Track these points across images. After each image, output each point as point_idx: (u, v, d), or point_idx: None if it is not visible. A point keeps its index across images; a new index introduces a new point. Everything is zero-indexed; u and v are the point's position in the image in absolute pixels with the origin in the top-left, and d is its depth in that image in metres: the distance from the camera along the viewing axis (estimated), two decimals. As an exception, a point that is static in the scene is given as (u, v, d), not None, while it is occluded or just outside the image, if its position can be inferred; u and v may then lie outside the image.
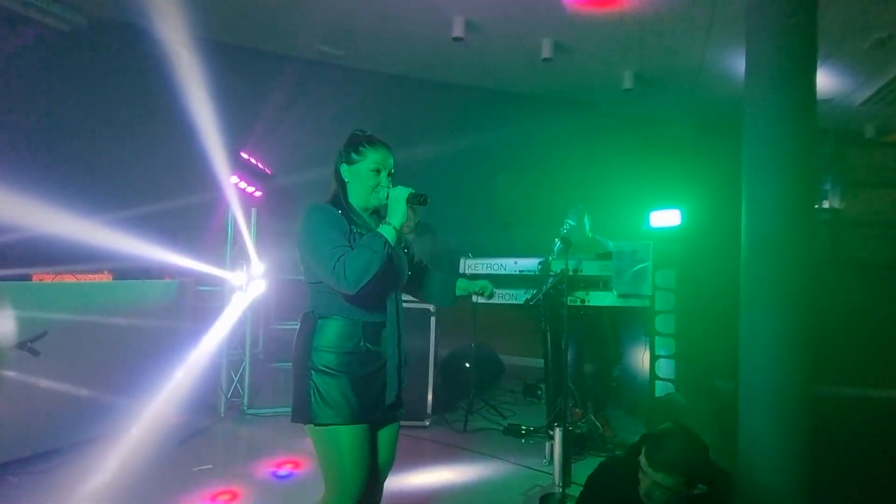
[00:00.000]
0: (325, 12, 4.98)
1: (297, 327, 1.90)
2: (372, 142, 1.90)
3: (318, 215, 1.81)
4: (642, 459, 1.88)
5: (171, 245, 4.35)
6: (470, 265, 4.44)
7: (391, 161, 1.91)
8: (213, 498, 2.96)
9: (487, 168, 6.68)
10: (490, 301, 4.35)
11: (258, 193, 4.69)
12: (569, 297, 3.74)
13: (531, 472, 3.41)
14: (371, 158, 1.87)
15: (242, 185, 4.59)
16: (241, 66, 5.70)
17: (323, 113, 5.66)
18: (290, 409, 1.86)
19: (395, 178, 1.94)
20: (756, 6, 2.85)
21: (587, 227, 4.24)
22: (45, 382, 3.18)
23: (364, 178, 1.88)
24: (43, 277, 3.40)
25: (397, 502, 2.87)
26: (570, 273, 3.79)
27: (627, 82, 5.80)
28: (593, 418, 3.97)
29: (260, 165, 4.62)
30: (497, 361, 5.48)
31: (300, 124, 5.69)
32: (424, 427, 4.07)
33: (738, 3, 3.10)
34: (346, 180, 1.91)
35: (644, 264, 3.85)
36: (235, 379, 4.48)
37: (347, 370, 1.79)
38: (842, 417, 4.69)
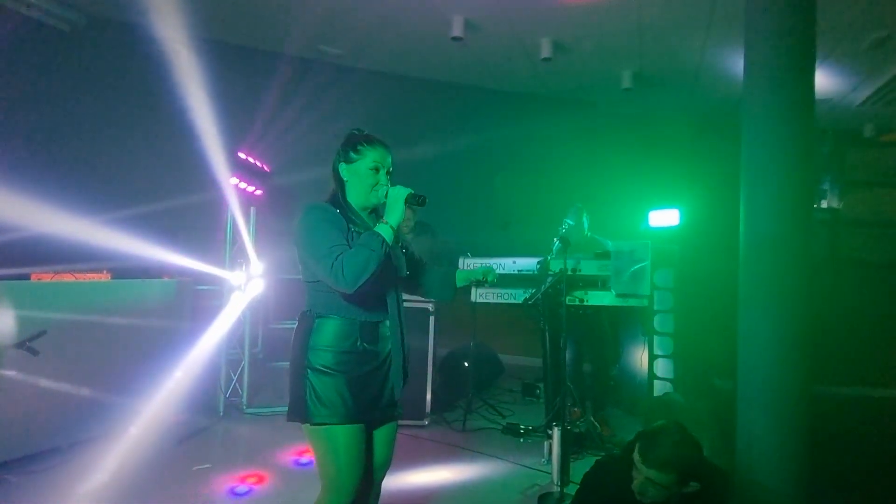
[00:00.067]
0: (324, 12, 4.98)
1: (294, 326, 1.91)
2: (370, 140, 1.91)
3: (316, 214, 1.81)
4: (636, 456, 1.89)
5: (169, 244, 4.35)
6: (469, 265, 4.44)
7: (389, 160, 1.91)
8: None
9: (487, 168, 6.68)
10: (489, 301, 4.38)
11: (258, 192, 4.68)
12: (567, 297, 3.74)
13: (530, 472, 3.41)
14: (370, 157, 1.88)
15: (242, 185, 4.58)
16: (240, 65, 5.71)
17: (322, 112, 5.66)
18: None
19: (394, 178, 1.94)
20: (755, 6, 2.85)
21: (586, 226, 4.24)
22: (43, 382, 3.18)
23: (363, 177, 1.88)
24: (42, 277, 3.40)
25: (396, 501, 2.87)
26: (569, 273, 3.80)
27: (626, 82, 5.81)
28: (592, 418, 3.97)
29: (258, 164, 4.62)
30: (496, 361, 5.48)
31: (299, 124, 5.69)
32: (423, 426, 4.08)
33: (737, 2, 3.10)
34: (345, 179, 1.91)
35: (642, 264, 3.85)
36: (234, 378, 4.48)
37: (344, 369, 1.80)
38: (840, 417, 4.70)
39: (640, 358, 4.33)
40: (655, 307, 4.10)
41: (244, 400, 4.42)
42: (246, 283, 4.47)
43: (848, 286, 5.95)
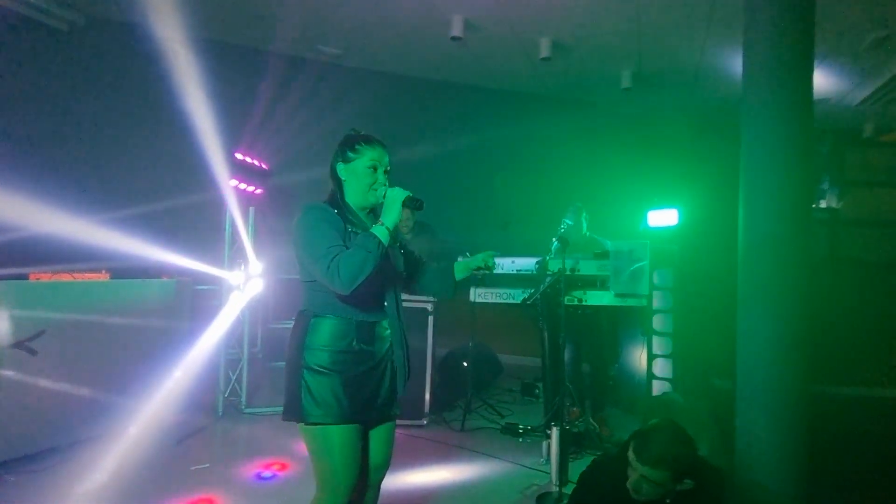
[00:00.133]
0: (323, 11, 4.98)
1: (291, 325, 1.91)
2: (368, 140, 1.92)
3: (313, 214, 1.81)
4: (631, 454, 1.90)
5: (169, 244, 4.35)
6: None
7: (387, 159, 1.91)
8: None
9: (486, 167, 6.68)
10: (488, 301, 4.37)
11: (258, 191, 4.67)
12: (566, 297, 3.74)
13: (528, 471, 3.42)
14: (367, 156, 1.88)
15: (242, 185, 4.58)
16: (239, 65, 5.71)
17: (321, 112, 5.66)
18: None
19: (394, 178, 1.94)
20: (754, 5, 2.85)
21: (584, 226, 4.24)
22: (42, 381, 3.18)
23: (361, 176, 1.88)
24: (40, 276, 3.39)
25: (395, 501, 2.87)
26: (568, 272, 3.80)
27: (626, 81, 5.80)
28: (590, 418, 3.98)
29: (257, 163, 4.61)
30: (495, 361, 5.48)
31: (299, 123, 5.69)
32: (422, 426, 4.08)
33: (737, 2, 3.10)
34: (343, 179, 1.91)
35: (641, 263, 3.85)
36: (233, 378, 4.48)
37: (340, 369, 1.80)
38: (839, 416, 4.71)
39: (638, 358, 4.34)
40: (654, 307, 4.11)
41: (243, 399, 4.42)
42: (245, 282, 4.48)
43: (847, 286, 5.95)
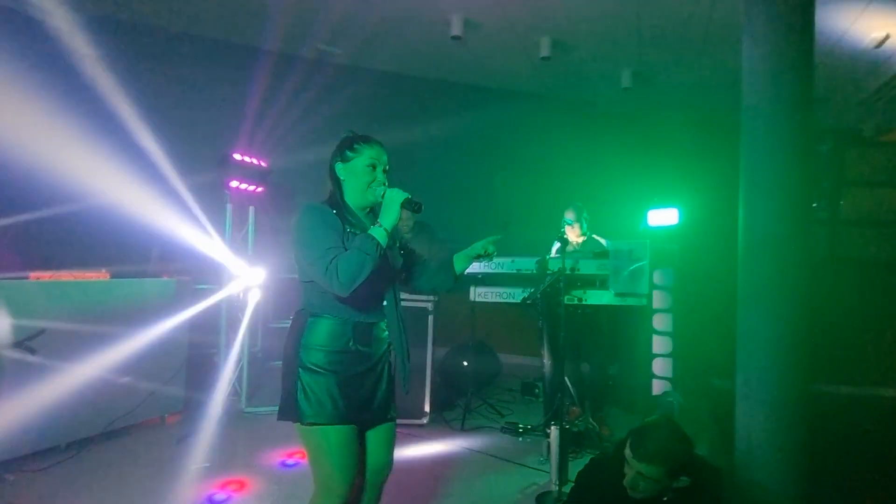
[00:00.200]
0: (323, 11, 4.98)
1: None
2: (366, 139, 1.92)
3: (311, 215, 1.81)
4: (627, 451, 1.91)
5: (169, 244, 4.35)
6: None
7: (385, 157, 1.91)
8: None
9: (486, 167, 6.68)
10: (488, 300, 4.38)
11: (259, 190, 4.66)
12: (566, 296, 3.74)
13: (528, 471, 3.42)
14: (366, 154, 1.88)
15: (242, 185, 4.57)
16: (238, 64, 5.71)
17: (320, 111, 5.66)
18: None
19: (394, 178, 1.94)
20: (753, 5, 2.85)
21: (585, 226, 4.24)
22: (42, 381, 3.18)
23: (360, 175, 1.88)
24: (40, 276, 3.39)
25: (395, 501, 2.87)
26: (567, 272, 3.80)
27: (626, 81, 5.80)
28: (590, 417, 3.98)
29: (256, 162, 4.60)
30: (495, 360, 5.49)
31: (298, 122, 5.69)
32: (422, 425, 4.08)
33: (736, 1, 3.10)
34: (342, 178, 1.91)
35: (641, 263, 3.85)
36: (234, 377, 4.48)
37: (335, 369, 1.80)
38: (839, 416, 4.71)
39: (638, 357, 4.33)
40: (654, 306, 4.11)
41: (243, 399, 4.43)
42: (245, 282, 4.48)
43: (847, 286, 5.95)
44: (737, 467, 2.76)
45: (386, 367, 1.93)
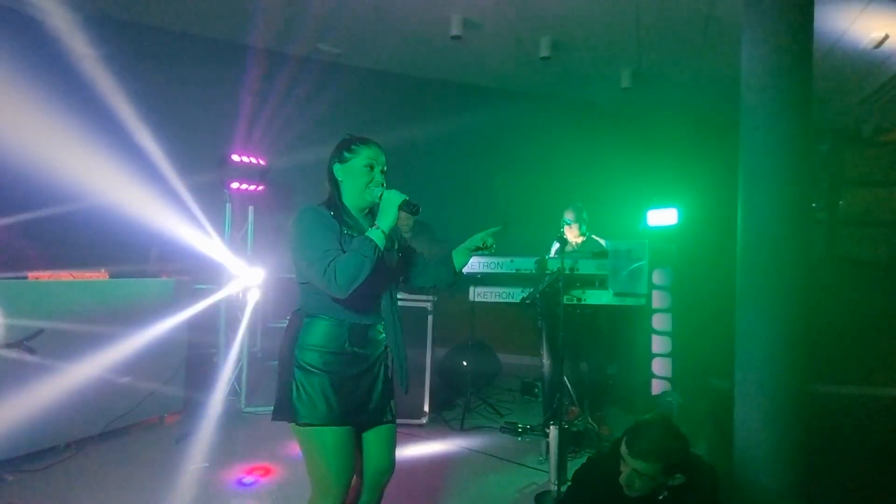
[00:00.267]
0: (323, 11, 4.98)
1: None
2: (364, 140, 1.92)
3: (309, 217, 1.81)
4: (623, 448, 1.91)
5: (168, 244, 4.35)
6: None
7: (383, 158, 1.92)
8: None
9: (485, 167, 6.69)
10: (487, 300, 4.38)
11: (260, 188, 4.66)
12: (565, 296, 3.74)
13: (527, 470, 3.42)
14: (364, 155, 1.88)
15: (244, 186, 4.57)
16: (238, 64, 5.71)
17: (320, 111, 5.66)
18: None
19: (393, 178, 1.94)
20: (753, 5, 2.85)
21: (584, 226, 4.24)
22: (40, 380, 3.18)
23: (357, 175, 1.88)
24: (39, 276, 3.39)
25: (394, 500, 2.87)
26: (566, 272, 3.80)
27: (625, 81, 5.80)
28: (589, 417, 3.98)
29: (255, 161, 4.59)
30: (494, 360, 5.49)
31: (298, 121, 5.69)
32: (422, 425, 4.08)
33: (735, 1, 3.10)
34: (340, 179, 1.91)
35: (640, 263, 3.86)
36: (233, 377, 4.48)
37: (330, 370, 1.80)
38: (836, 415, 4.72)
39: (637, 357, 4.34)
40: (653, 306, 4.11)
41: (242, 399, 4.43)
42: (244, 282, 4.48)
43: (846, 285, 5.96)
44: (735, 466, 2.77)
45: (382, 369, 1.93)
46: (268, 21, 5.23)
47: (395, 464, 1.97)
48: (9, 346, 3.04)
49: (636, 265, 3.86)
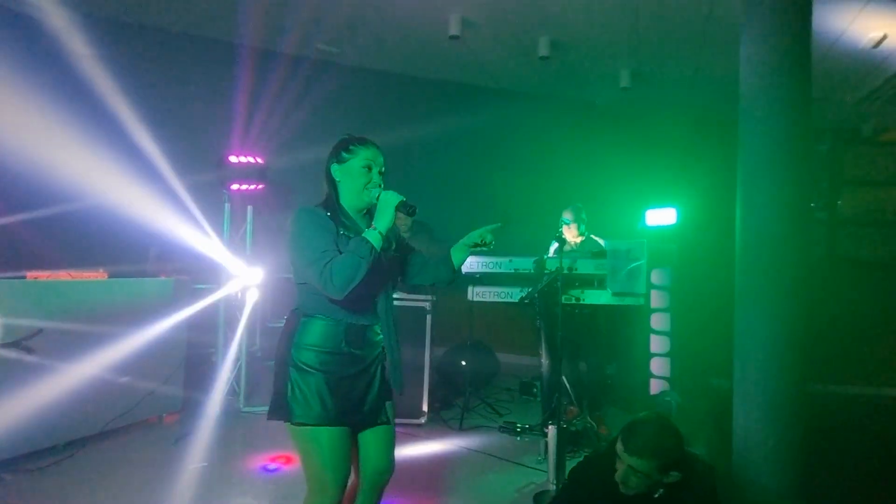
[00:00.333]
0: (322, 10, 4.98)
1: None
2: (362, 140, 1.93)
3: (306, 218, 1.82)
4: (618, 445, 1.92)
5: (167, 244, 4.35)
6: (465, 262, 4.44)
7: (381, 159, 1.92)
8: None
9: (484, 167, 6.68)
10: (486, 300, 4.38)
11: (260, 187, 4.66)
12: (564, 296, 3.74)
13: (526, 470, 3.42)
14: (362, 155, 1.88)
15: (243, 186, 4.57)
16: (237, 64, 5.70)
17: (319, 111, 5.66)
18: None
19: (392, 178, 1.94)
20: (752, 4, 2.85)
21: (583, 226, 4.24)
22: (39, 380, 3.18)
23: (355, 176, 1.88)
24: (38, 275, 3.39)
25: (393, 500, 2.87)
26: (565, 271, 3.80)
27: (624, 81, 5.80)
28: (588, 416, 3.98)
29: (253, 160, 4.58)
30: (493, 359, 5.49)
31: (297, 122, 5.69)
32: (420, 425, 4.08)
33: (735, 1, 3.10)
34: (338, 180, 1.91)
35: (639, 262, 3.86)
36: (232, 377, 4.48)
37: (326, 369, 1.80)
38: (836, 415, 4.72)
39: (636, 357, 4.34)
40: (652, 306, 4.11)
41: (241, 398, 4.42)
42: (243, 281, 4.48)
43: (845, 285, 5.96)
44: (734, 466, 2.77)
45: (379, 371, 1.92)
46: (266, 21, 5.23)
47: (394, 464, 1.97)
48: (8, 345, 3.04)
49: (635, 265, 3.86)
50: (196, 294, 4.32)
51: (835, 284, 5.79)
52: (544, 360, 4.17)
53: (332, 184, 1.92)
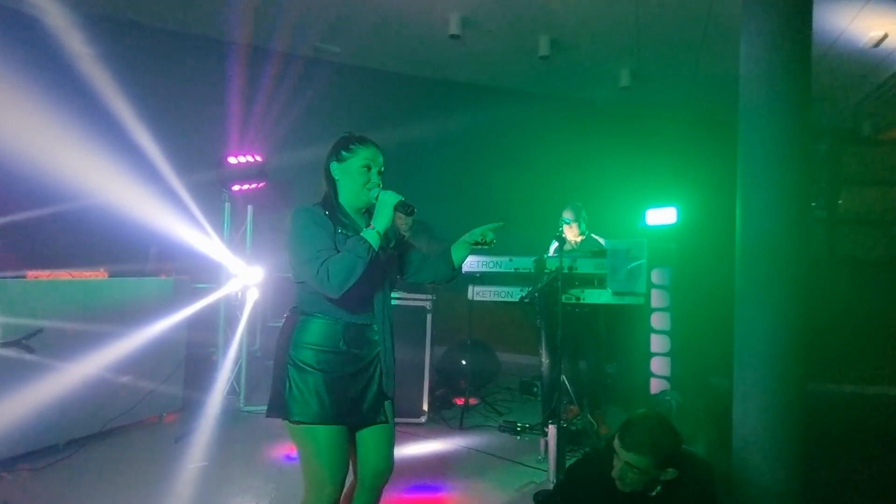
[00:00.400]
0: (321, 10, 4.98)
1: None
2: (362, 139, 1.93)
3: (303, 217, 1.82)
4: (616, 442, 1.92)
5: (167, 243, 4.35)
6: (465, 262, 4.45)
7: (380, 159, 1.92)
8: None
9: (484, 166, 6.68)
10: (486, 299, 4.38)
11: (261, 185, 4.65)
12: (564, 295, 3.75)
13: (526, 469, 3.42)
14: (361, 155, 1.89)
15: (244, 186, 4.57)
16: (237, 63, 5.70)
17: (319, 110, 5.66)
18: None
19: (391, 178, 1.94)
20: (751, 3, 2.85)
21: (583, 225, 4.24)
22: (40, 380, 3.19)
23: (354, 175, 1.89)
24: (38, 275, 3.39)
25: (393, 500, 2.88)
26: (565, 271, 3.80)
27: (624, 80, 5.80)
28: (588, 416, 3.99)
29: (252, 159, 4.58)
30: (493, 359, 5.49)
31: (297, 122, 5.69)
32: (420, 424, 4.08)
33: (734, 1, 3.10)
34: (337, 178, 1.92)
35: (639, 262, 3.86)
36: (232, 376, 4.49)
37: (324, 368, 1.80)
38: (835, 413, 4.72)
39: (636, 356, 4.34)
40: (652, 305, 4.11)
41: (241, 398, 4.43)
42: (243, 281, 4.48)
43: (845, 284, 5.96)
44: (734, 465, 2.77)
45: (378, 370, 1.92)
46: (266, 20, 5.23)
47: (392, 465, 1.96)
48: (8, 344, 3.04)
49: (635, 264, 3.86)
50: (196, 293, 4.32)
51: (835, 284, 5.78)
52: (544, 360, 4.18)
53: (331, 182, 1.93)
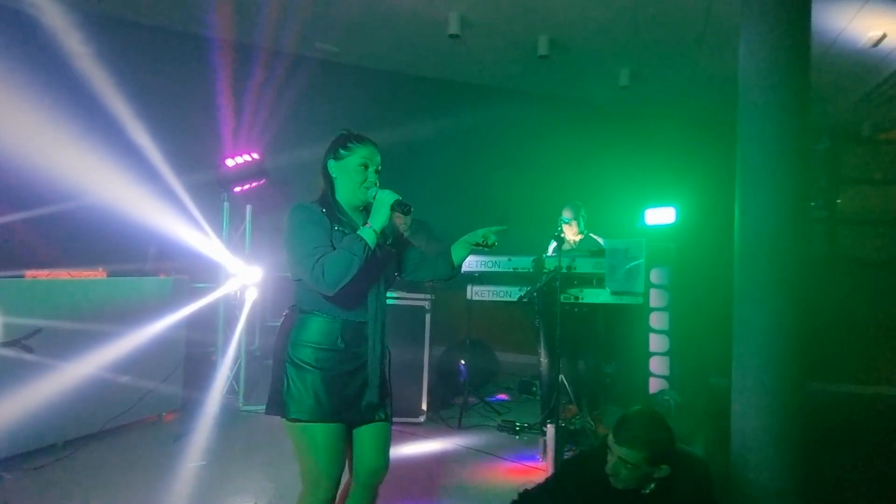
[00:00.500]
0: (321, 9, 4.97)
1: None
2: (360, 138, 1.93)
3: (300, 214, 1.82)
4: (609, 437, 1.93)
5: (166, 243, 4.35)
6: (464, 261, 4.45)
7: (378, 158, 1.92)
8: None
9: (483, 165, 6.68)
10: (485, 298, 4.38)
11: (261, 183, 4.65)
12: (562, 295, 3.75)
13: (525, 469, 3.42)
14: (359, 153, 1.89)
15: (245, 186, 4.57)
16: (236, 63, 5.70)
17: (318, 109, 5.66)
18: None
19: (389, 177, 1.94)
20: (750, 3, 2.85)
21: (582, 224, 4.25)
22: (39, 379, 3.19)
23: (352, 174, 1.89)
24: (37, 275, 3.39)
25: (392, 499, 2.88)
26: (564, 270, 3.80)
27: (624, 80, 5.80)
28: (587, 415, 3.99)
29: (250, 158, 4.57)
30: (492, 358, 5.49)
31: (296, 121, 5.69)
32: (419, 424, 4.08)
33: (734, 1, 3.10)
34: (334, 176, 1.92)
35: (637, 261, 3.86)
36: (231, 375, 4.49)
37: (322, 366, 1.80)
38: (835, 413, 4.72)
39: (635, 355, 4.34)
40: (651, 305, 4.11)
41: (240, 397, 4.43)
42: (242, 281, 4.48)
43: (844, 284, 5.97)
44: (733, 465, 2.77)
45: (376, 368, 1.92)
46: (266, 19, 5.23)
47: (388, 464, 1.96)
48: (7, 344, 3.04)
49: (634, 264, 3.86)
50: (195, 293, 4.32)
51: (834, 283, 5.79)
52: (543, 359, 4.18)
53: (329, 180, 1.93)
